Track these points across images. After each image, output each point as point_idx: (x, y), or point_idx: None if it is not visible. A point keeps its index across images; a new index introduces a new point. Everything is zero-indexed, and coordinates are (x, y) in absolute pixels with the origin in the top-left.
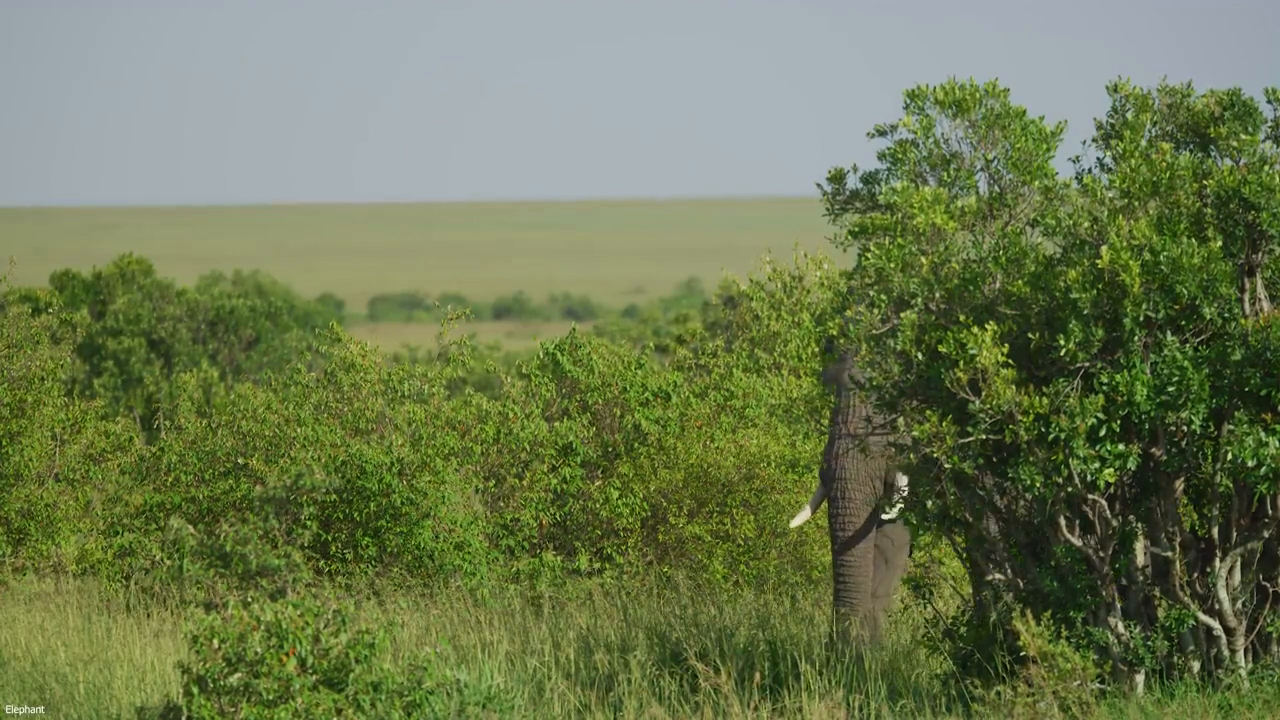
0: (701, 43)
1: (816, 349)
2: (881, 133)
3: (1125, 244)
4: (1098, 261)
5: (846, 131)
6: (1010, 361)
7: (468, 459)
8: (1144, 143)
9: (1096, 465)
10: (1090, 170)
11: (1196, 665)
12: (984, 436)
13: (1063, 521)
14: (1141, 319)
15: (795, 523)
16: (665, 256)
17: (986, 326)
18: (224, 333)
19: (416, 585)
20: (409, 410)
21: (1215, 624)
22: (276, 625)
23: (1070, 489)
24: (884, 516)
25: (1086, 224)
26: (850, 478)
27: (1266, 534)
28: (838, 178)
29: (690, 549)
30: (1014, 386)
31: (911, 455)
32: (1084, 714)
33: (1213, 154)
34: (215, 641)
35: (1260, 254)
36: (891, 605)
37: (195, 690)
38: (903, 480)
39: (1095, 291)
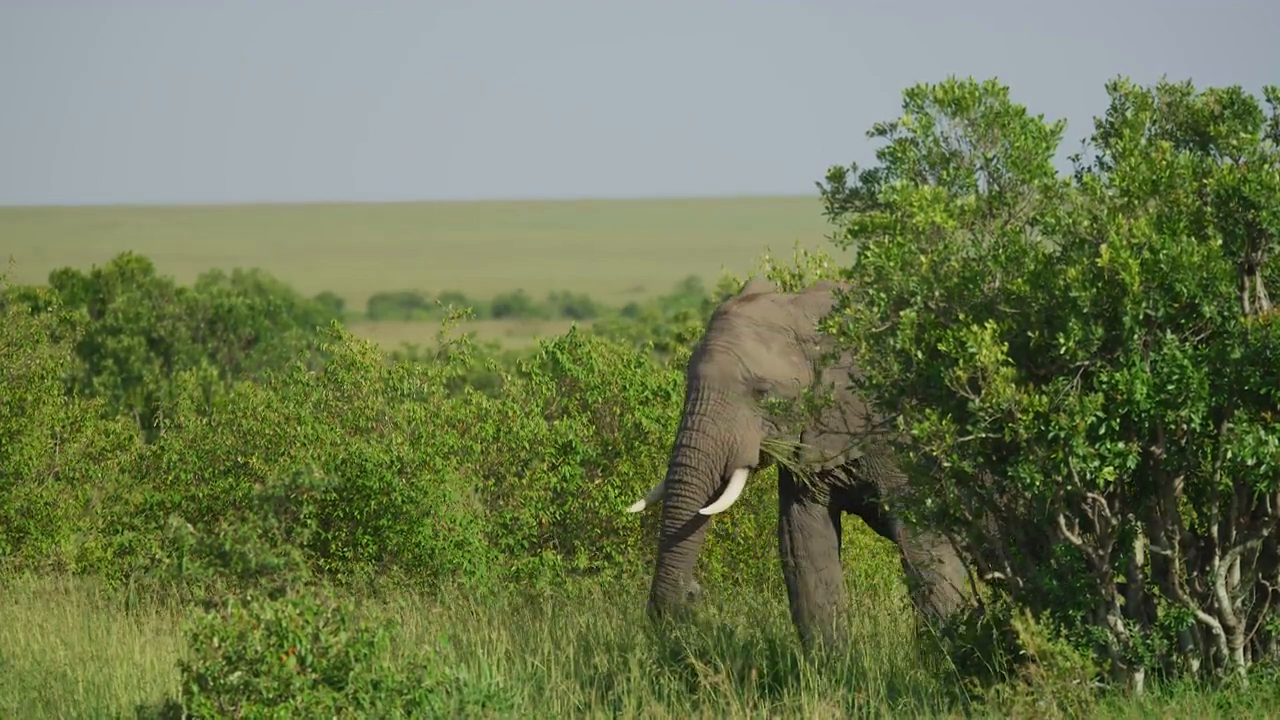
0: (701, 43)
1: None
2: (881, 131)
3: (1125, 242)
4: (1097, 260)
5: (846, 131)
6: (1010, 360)
7: (467, 457)
8: (1144, 141)
9: (1096, 464)
10: (1090, 169)
11: (1196, 664)
12: (984, 435)
13: (1062, 520)
14: (1141, 317)
15: (633, 509)
16: (665, 256)
17: (986, 325)
18: (223, 331)
19: (416, 584)
20: (409, 409)
21: (1214, 622)
22: (276, 624)
23: (1070, 487)
24: (703, 511)
25: (1086, 222)
26: (695, 469)
27: (1266, 532)
28: (837, 177)
29: None
30: (1014, 385)
31: (911, 454)
32: (1083, 713)
33: (1212, 152)
34: (215, 640)
35: (1260, 252)
36: (842, 600)
37: (195, 689)
38: (739, 479)
39: (1095, 290)
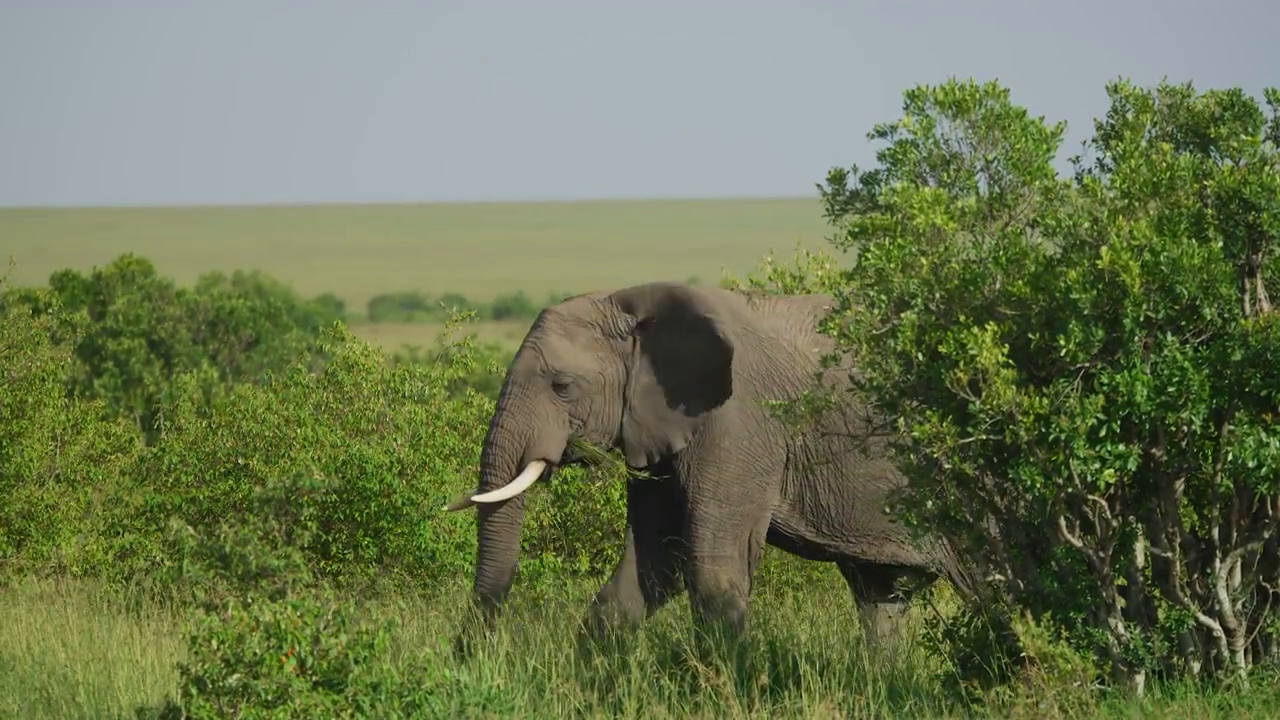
0: (702, 42)
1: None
2: (881, 133)
3: (1125, 244)
4: (1098, 262)
5: (847, 132)
6: (1010, 362)
7: (468, 460)
8: (1144, 143)
9: (1097, 466)
10: (1090, 171)
11: (1196, 666)
12: (984, 437)
13: (1063, 522)
14: (1142, 319)
15: (445, 509)
16: (665, 256)
17: (987, 327)
18: (224, 333)
19: (417, 586)
20: (410, 411)
21: (1215, 625)
22: (275, 626)
23: (1070, 489)
24: (476, 498)
25: (1087, 224)
26: (491, 463)
27: (1267, 535)
28: (838, 178)
29: None
30: (1014, 387)
31: (912, 456)
32: (1084, 715)
33: (1213, 154)
34: (214, 642)
35: (1260, 254)
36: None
37: (194, 691)
38: (532, 470)
39: (1095, 292)
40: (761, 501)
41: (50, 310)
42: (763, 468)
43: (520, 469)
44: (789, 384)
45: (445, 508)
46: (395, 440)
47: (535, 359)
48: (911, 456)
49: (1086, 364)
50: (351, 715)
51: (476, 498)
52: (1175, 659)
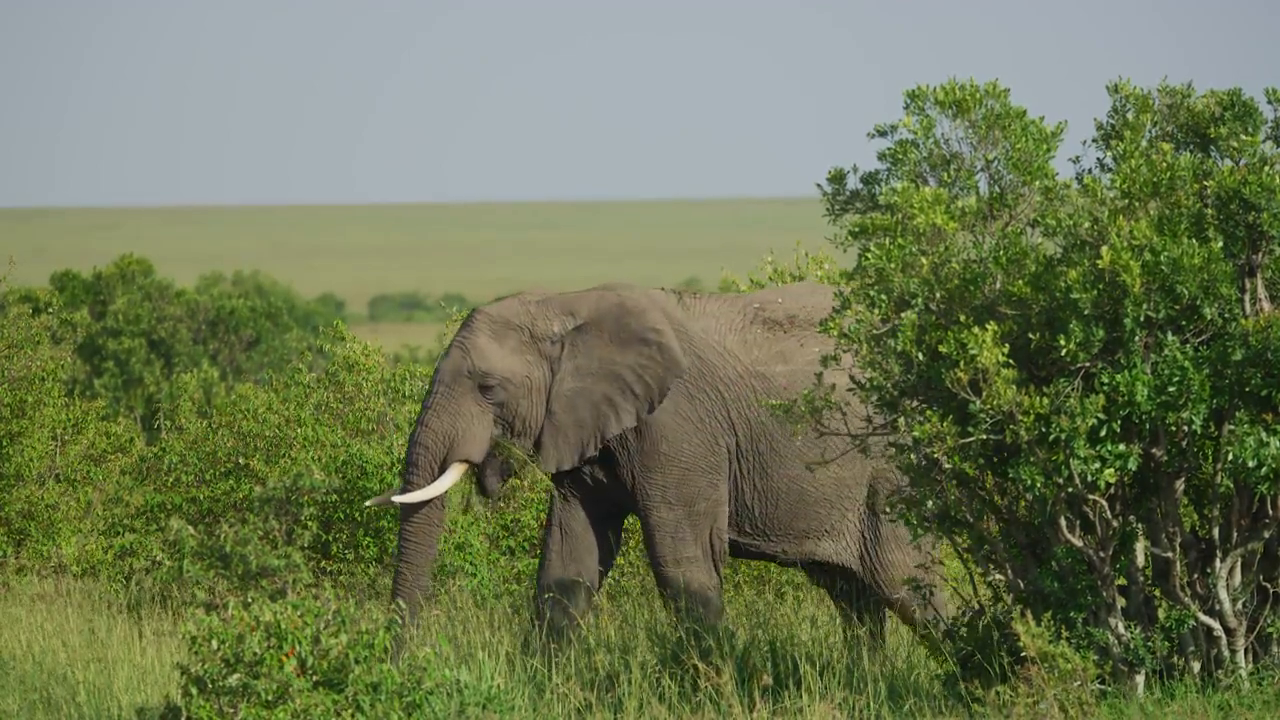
0: (702, 42)
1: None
2: (882, 133)
3: (1126, 244)
4: (1098, 262)
5: (847, 132)
6: (1011, 362)
7: None
8: (1144, 143)
9: (1097, 465)
10: (1090, 170)
11: (1197, 666)
12: (984, 437)
13: (1063, 522)
14: (1142, 319)
15: (368, 504)
16: (665, 256)
17: (987, 327)
18: (224, 333)
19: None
20: (410, 410)
21: (1215, 624)
22: (275, 626)
23: (1071, 489)
24: (397, 499)
25: (1087, 224)
26: (414, 463)
27: (1267, 534)
28: (838, 178)
29: None
30: (1014, 387)
31: (912, 455)
32: (1084, 714)
33: (1213, 154)
34: (214, 642)
35: (1260, 254)
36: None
37: (194, 691)
38: (453, 472)
39: (1096, 292)
40: (715, 498)
41: (50, 310)
42: (708, 465)
43: (443, 470)
44: (721, 384)
45: (367, 504)
46: (396, 440)
47: (462, 359)
48: (911, 456)
49: (1087, 364)
50: (351, 715)
51: (398, 498)
52: (1175, 659)
